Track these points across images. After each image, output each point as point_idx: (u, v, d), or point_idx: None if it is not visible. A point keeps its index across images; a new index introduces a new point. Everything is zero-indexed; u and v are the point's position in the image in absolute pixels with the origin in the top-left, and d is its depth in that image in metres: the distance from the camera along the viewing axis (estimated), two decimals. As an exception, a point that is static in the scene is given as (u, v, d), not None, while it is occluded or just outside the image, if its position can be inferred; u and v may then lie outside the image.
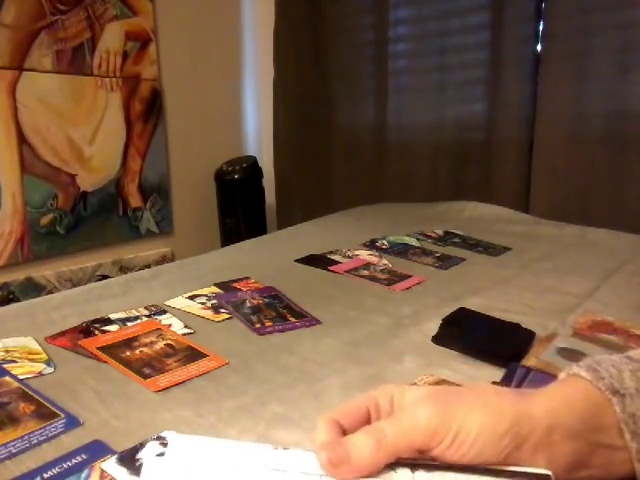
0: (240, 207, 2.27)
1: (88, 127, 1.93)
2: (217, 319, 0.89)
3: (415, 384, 0.66)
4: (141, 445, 0.52)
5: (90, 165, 1.95)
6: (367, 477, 0.32)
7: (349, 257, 1.26)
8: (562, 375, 0.37)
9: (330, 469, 0.32)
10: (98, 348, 0.76)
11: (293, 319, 0.89)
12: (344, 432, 0.35)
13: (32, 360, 0.72)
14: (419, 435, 0.32)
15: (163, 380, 0.67)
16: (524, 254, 1.31)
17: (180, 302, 0.96)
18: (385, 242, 1.40)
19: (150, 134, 2.13)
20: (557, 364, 0.67)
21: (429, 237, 1.47)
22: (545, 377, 0.63)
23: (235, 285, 1.05)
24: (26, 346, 0.76)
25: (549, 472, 0.31)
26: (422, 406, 0.32)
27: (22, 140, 1.76)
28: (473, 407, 0.32)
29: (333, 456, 0.32)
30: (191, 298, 0.98)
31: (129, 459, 0.49)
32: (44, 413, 0.59)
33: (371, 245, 1.38)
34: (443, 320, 0.85)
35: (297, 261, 1.23)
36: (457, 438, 0.31)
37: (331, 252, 1.30)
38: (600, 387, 0.33)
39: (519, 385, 0.61)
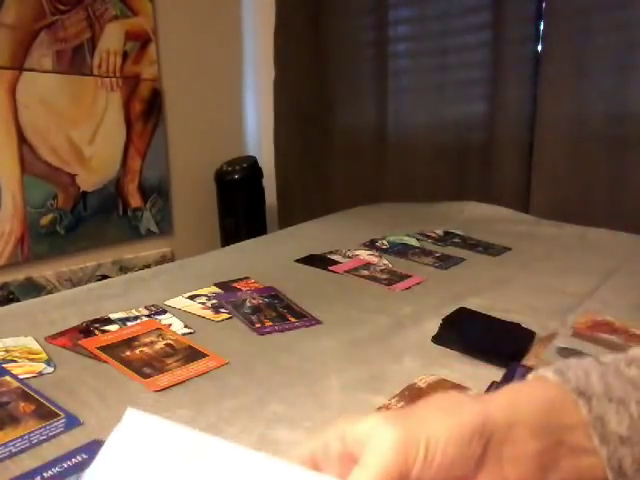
0: (240, 207, 2.27)
1: (88, 127, 1.93)
2: (217, 319, 0.89)
3: (415, 384, 0.67)
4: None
5: (90, 165, 1.95)
6: None
7: (349, 257, 1.26)
8: (529, 377, 0.35)
9: None
10: (98, 348, 0.76)
11: (293, 319, 0.89)
12: None
13: (32, 360, 0.72)
14: (392, 459, 0.28)
15: (163, 380, 0.67)
16: (524, 254, 1.31)
17: (180, 302, 0.96)
18: (385, 242, 1.40)
19: (150, 134, 2.13)
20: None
21: (429, 237, 1.46)
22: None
23: (235, 285, 1.05)
24: (26, 346, 0.76)
25: None
26: (383, 431, 0.29)
27: (22, 140, 1.76)
28: (434, 416, 0.30)
29: None
30: (191, 298, 0.98)
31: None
32: (44, 413, 0.59)
33: (371, 245, 1.38)
34: (443, 320, 0.85)
35: (297, 261, 1.23)
36: (429, 448, 0.29)
37: (331, 252, 1.29)
38: (566, 388, 0.32)
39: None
